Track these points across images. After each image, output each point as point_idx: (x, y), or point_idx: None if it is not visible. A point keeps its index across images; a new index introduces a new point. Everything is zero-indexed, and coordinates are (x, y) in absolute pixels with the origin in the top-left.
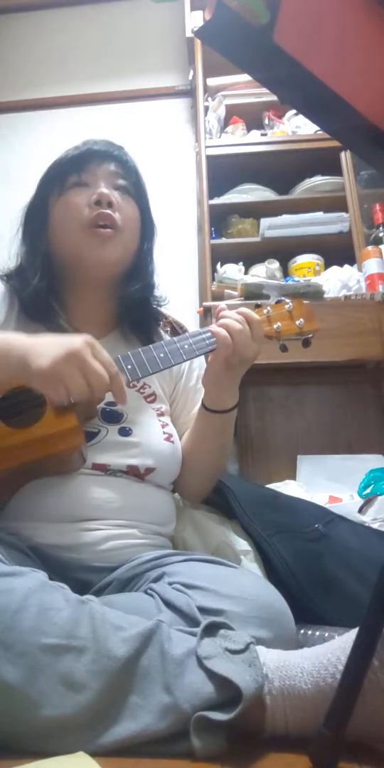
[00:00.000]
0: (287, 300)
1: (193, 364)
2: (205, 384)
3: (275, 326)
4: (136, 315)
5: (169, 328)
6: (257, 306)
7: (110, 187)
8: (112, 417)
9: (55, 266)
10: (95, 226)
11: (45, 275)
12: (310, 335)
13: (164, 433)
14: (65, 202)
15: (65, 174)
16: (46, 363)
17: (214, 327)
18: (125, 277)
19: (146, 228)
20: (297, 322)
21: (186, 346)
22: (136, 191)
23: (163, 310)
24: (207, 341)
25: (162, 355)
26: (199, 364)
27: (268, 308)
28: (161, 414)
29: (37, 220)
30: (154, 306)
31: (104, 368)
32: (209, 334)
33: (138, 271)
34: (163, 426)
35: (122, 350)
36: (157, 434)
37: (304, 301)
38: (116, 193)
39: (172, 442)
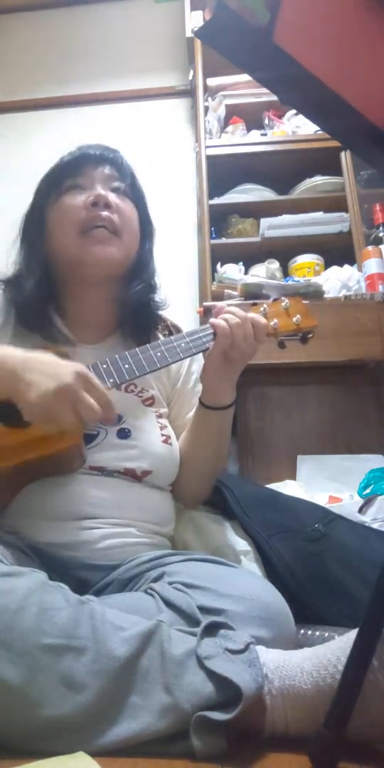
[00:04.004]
0: (284, 298)
1: (191, 368)
2: (203, 379)
3: (272, 323)
4: (136, 318)
5: (167, 332)
6: (254, 304)
7: (107, 189)
8: None
9: (53, 271)
10: (92, 227)
11: (42, 281)
12: (310, 335)
13: (162, 435)
14: (61, 205)
15: (61, 178)
16: (35, 397)
17: (213, 319)
18: (126, 278)
19: (145, 228)
20: (294, 319)
21: (183, 344)
22: (133, 193)
23: (161, 313)
24: (203, 338)
25: (159, 354)
26: (197, 368)
27: (265, 306)
28: (159, 416)
29: (34, 227)
30: (154, 310)
31: (97, 399)
32: (206, 332)
33: (139, 271)
34: (161, 428)
35: (121, 353)
36: (155, 437)
37: (304, 301)
38: (113, 195)
39: (170, 443)
